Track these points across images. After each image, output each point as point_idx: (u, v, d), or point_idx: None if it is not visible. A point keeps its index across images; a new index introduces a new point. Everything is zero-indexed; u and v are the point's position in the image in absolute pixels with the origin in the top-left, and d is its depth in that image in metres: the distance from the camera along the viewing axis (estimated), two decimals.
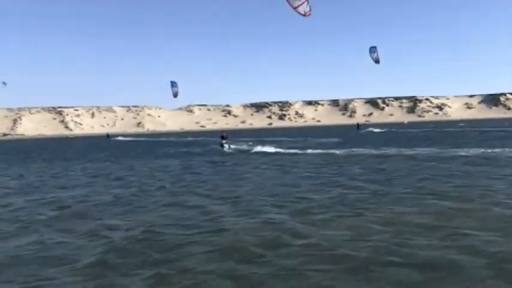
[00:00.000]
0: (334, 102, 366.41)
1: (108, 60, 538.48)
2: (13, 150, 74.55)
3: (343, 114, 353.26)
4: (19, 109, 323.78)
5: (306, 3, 23.16)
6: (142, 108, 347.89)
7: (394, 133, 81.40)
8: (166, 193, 17.64)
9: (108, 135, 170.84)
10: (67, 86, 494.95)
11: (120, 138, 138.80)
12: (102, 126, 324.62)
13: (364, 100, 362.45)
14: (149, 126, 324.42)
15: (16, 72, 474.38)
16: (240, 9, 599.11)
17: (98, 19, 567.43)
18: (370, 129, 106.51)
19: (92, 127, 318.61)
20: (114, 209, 14.83)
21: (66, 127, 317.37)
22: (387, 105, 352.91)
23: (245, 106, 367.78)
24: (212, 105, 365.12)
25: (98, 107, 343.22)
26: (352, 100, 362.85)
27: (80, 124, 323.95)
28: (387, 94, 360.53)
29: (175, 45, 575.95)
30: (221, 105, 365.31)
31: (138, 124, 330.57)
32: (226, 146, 49.15)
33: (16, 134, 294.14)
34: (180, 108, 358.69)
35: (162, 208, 14.55)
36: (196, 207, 14.23)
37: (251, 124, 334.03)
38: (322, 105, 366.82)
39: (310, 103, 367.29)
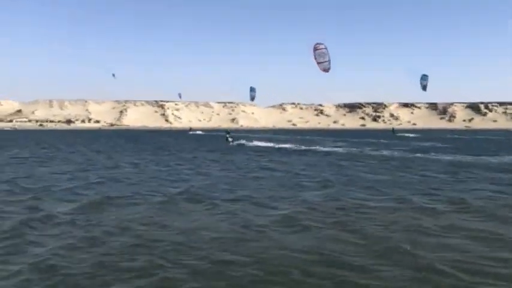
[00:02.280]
0: (432, 106, 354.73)
1: (209, 59, 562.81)
2: (148, 144, 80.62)
3: (442, 118, 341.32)
4: (125, 101, 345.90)
5: (327, 63, 26.99)
6: (237, 104, 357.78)
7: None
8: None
9: (190, 129, 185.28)
10: (169, 81, 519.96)
11: (199, 132, 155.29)
12: (199, 120, 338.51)
13: (464, 104, 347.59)
14: (243, 122, 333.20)
15: (125, 66, 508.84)
16: (337, 8, 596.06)
17: (198, 20, 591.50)
18: (406, 134, 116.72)
19: (190, 121, 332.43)
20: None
21: (167, 120, 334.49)
22: (490, 110, 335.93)
23: (338, 106, 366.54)
24: (304, 104, 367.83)
25: (196, 102, 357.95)
26: (451, 104, 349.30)
27: (179, 118, 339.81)
28: (491, 99, 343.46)
29: (269, 46, 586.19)
30: (313, 104, 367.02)
31: (233, 120, 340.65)
32: (230, 139, 63.78)
33: (121, 125, 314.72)
34: (273, 106, 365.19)
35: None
36: None
37: (343, 124, 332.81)
38: (419, 108, 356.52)
39: (406, 105, 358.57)
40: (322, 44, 27.46)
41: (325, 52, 27.34)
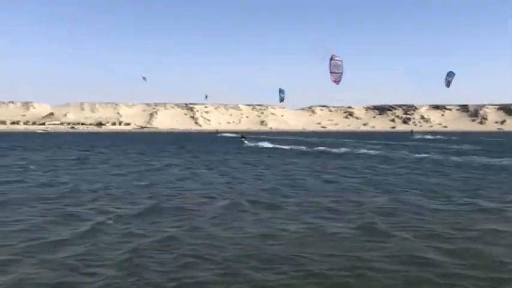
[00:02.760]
0: (463, 108, 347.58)
1: (238, 60, 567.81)
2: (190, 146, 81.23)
3: (473, 120, 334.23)
4: (155, 104, 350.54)
5: (339, 75, 27.87)
6: (266, 107, 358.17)
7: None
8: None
9: (217, 132, 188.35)
10: (198, 83, 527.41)
11: (227, 134, 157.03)
12: (228, 123, 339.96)
13: (497, 106, 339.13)
14: (272, 124, 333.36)
15: (155, 69, 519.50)
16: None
17: (230, 23, 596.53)
18: (423, 136, 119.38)
19: (219, 123, 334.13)
20: None
21: (196, 123, 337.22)
22: None
23: (367, 108, 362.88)
24: (334, 107, 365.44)
25: (226, 105, 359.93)
26: (483, 106, 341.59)
27: (208, 120, 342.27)
28: None
29: (294, 46, 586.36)
30: (343, 106, 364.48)
31: (262, 122, 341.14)
32: (246, 142, 74.00)
33: (151, 127, 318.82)
34: (302, 109, 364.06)
35: None
36: None
37: (373, 127, 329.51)
38: (450, 110, 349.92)
39: (437, 107, 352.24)
40: (339, 56, 28.13)
41: (340, 64, 28.15)
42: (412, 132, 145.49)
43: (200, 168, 28.72)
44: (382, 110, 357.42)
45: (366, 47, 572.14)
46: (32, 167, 29.77)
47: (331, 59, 27.84)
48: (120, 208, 14.40)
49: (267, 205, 14.98)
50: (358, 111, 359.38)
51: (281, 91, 58.56)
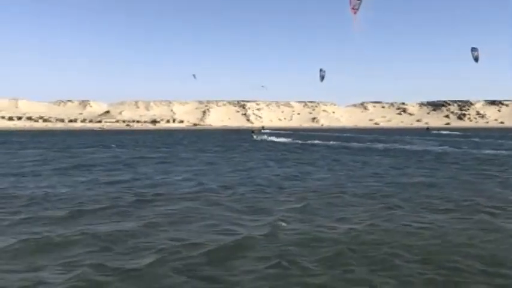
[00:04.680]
0: None
1: (289, 57, 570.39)
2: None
3: None
4: (208, 102, 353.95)
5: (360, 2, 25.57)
6: (318, 104, 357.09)
7: None
8: None
9: (263, 128, 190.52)
10: (249, 80, 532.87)
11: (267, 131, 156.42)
12: (280, 120, 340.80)
13: None
14: (324, 121, 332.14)
15: (206, 67, 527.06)
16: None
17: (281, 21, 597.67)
18: (441, 132, 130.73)
19: (271, 120, 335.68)
20: None
21: (248, 120, 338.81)
22: None
23: (421, 104, 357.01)
24: (386, 103, 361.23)
25: (277, 102, 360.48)
26: None
27: (260, 117, 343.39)
28: None
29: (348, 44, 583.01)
30: (396, 102, 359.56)
31: (313, 119, 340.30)
32: (254, 136, 79.12)
33: (204, 124, 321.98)
34: (354, 105, 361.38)
35: None
36: None
37: (427, 123, 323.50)
38: (507, 105, 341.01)
39: (493, 103, 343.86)
40: None
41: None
42: (428, 128, 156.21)
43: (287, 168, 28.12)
44: (436, 106, 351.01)
45: (420, 39, 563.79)
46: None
47: None
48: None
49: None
50: (412, 108, 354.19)
51: (321, 70, 58.49)
